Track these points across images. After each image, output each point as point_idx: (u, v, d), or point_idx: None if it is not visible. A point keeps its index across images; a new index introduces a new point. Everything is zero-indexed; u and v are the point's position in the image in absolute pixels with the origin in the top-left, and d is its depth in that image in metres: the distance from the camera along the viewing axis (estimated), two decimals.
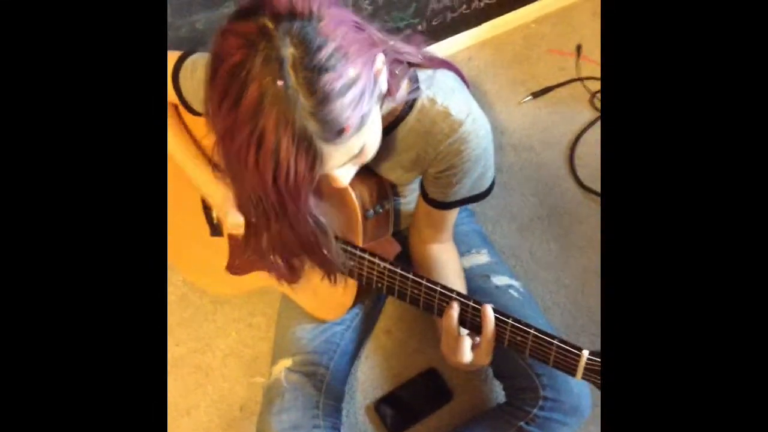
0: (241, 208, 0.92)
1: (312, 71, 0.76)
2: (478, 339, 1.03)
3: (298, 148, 0.78)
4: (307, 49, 0.76)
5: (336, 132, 0.79)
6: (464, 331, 1.05)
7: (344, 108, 0.78)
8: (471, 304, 1.02)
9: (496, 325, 1.01)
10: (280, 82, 0.75)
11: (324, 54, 0.76)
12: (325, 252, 0.94)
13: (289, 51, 0.75)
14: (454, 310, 1.03)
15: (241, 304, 1.60)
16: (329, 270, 1.02)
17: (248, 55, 0.76)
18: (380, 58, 0.84)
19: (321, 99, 0.76)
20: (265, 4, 0.77)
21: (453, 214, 1.20)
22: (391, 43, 0.92)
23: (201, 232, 1.35)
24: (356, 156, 0.88)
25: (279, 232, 0.89)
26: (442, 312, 1.05)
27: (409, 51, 0.96)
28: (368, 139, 0.87)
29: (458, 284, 1.20)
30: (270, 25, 0.76)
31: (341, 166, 0.88)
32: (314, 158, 0.80)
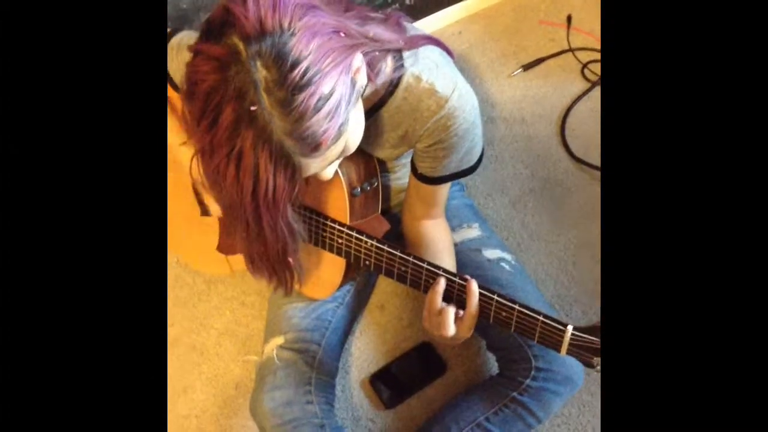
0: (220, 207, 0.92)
1: (286, 91, 0.74)
2: (461, 312, 1.04)
3: (276, 165, 0.78)
4: (280, 69, 0.74)
5: (313, 147, 0.79)
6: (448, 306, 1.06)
7: (320, 123, 0.77)
8: (457, 280, 1.02)
9: (482, 301, 1.01)
10: (253, 107, 0.74)
11: (297, 72, 0.74)
12: (290, 260, 0.94)
13: (261, 74, 0.74)
14: (440, 285, 1.04)
15: (234, 283, 1.61)
16: (285, 282, 1.01)
17: (220, 79, 0.75)
18: (358, 58, 0.83)
19: (296, 118, 0.75)
20: (234, 21, 0.75)
21: (444, 190, 1.20)
22: (371, 33, 0.90)
23: (192, 213, 1.36)
24: (338, 156, 0.88)
25: (247, 240, 0.89)
26: (428, 289, 1.05)
27: (389, 39, 0.95)
28: (349, 139, 0.87)
29: (448, 260, 1.21)
30: (240, 47, 0.74)
31: (323, 169, 0.89)
32: (293, 171, 0.80)
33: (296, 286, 1.05)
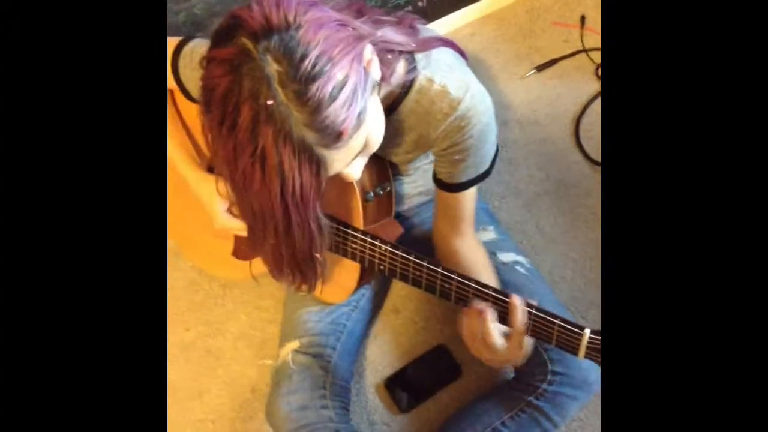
0: (245, 221, 0.91)
1: (299, 83, 0.75)
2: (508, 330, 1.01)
3: (300, 160, 0.78)
4: (291, 61, 0.75)
5: (334, 137, 0.79)
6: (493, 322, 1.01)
7: (338, 111, 0.77)
8: (491, 293, 1.00)
9: (497, 304, 1.01)
10: (269, 102, 0.75)
11: (308, 63, 0.75)
12: (317, 255, 0.94)
13: (272, 68, 0.75)
14: (489, 315, 0.99)
15: (250, 287, 1.61)
16: (309, 280, 1.01)
17: (234, 80, 0.75)
18: (368, 49, 0.83)
19: (313, 108, 0.76)
20: (241, 23, 0.76)
21: (468, 202, 1.18)
22: (380, 33, 0.90)
23: (206, 218, 1.36)
24: (361, 150, 0.88)
25: (275, 246, 0.89)
26: (444, 294, 1.05)
27: (399, 41, 0.95)
28: (371, 132, 0.87)
29: (488, 279, 1.15)
30: (249, 45, 0.75)
31: (348, 165, 0.88)
32: (318, 166, 0.80)
33: (317, 289, 1.05)
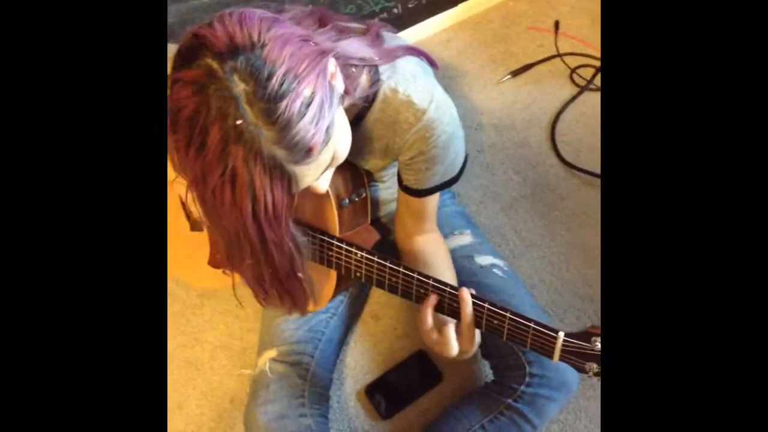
0: (220, 245, 0.90)
1: (267, 101, 0.74)
2: (458, 324, 1.03)
3: (271, 178, 0.78)
4: (257, 81, 0.74)
5: (304, 153, 0.78)
6: (448, 320, 1.04)
7: (307, 127, 0.77)
8: (448, 290, 1.02)
9: (474, 309, 1.01)
10: (238, 121, 0.74)
11: (275, 81, 0.74)
12: (300, 274, 0.93)
13: (240, 88, 0.74)
14: (431, 302, 1.03)
15: (228, 296, 1.60)
16: (298, 301, 1.00)
17: (201, 101, 0.75)
18: (332, 63, 0.83)
19: (282, 126, 0.75)
20: (204, 43, 0.75)
21: (432, 203, 1.20)
22: (342, 47, 0.90)
23: (182, 228, 1.36)
24: (330, 163, 0.88)
25: (252, 266, 0.89)
26: (420, 299, 1.05)
27: (361, 56, 0.95)
28: (338, 145, 0.87)
29: (447, 275, 1.19)
30: (215, 65, 0.74)
31: (317, 178, 0.88)
32: (289, 182, 0.80)
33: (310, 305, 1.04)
